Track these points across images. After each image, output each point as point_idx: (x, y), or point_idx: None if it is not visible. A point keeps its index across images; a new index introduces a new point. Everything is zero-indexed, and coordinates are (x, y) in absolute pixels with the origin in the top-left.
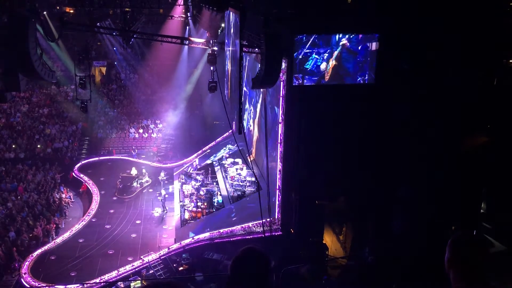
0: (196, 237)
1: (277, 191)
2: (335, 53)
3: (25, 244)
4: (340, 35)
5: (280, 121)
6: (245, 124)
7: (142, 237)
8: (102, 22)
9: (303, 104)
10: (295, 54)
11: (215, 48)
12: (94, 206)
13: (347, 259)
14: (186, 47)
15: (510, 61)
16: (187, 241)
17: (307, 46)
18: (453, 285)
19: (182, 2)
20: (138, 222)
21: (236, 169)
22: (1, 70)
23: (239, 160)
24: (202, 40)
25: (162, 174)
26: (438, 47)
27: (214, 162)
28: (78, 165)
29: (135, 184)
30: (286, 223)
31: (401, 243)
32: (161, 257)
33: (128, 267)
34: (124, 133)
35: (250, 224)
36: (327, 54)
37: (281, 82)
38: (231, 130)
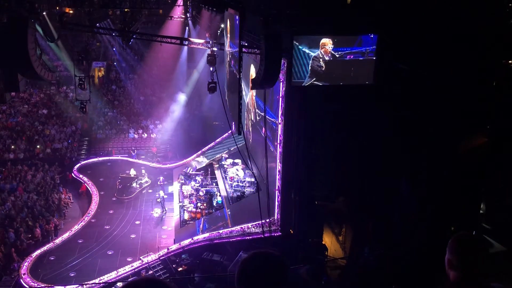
0: (195, 238)
1: (277, 191)
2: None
3: (24, 244)
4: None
5: (279, 121)
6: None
7: (141, 238)
8: (102, 23)
9: (303, 104)
10: (294, 54)
11: (215, 49)
12: (94, 206)
13: (347, 259)
14: (185, 47)
15: (510, 61)
16: (186, 241)
17: (306, 47)
18: (453, 286)
19: (182, 2)
20: (137, 222)
21: (236, 169)
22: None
23: (238, 161)
24: (201, 41)
25: (161, 179)
26: (438, 47)
27: (213, 163)
28: (78, 165)
29: (134, 184)
30: (286, 223)
31: (401, 243)
32: (161, 258)
33: (127, 268)
34: (123, 133)
35: (249, 224)
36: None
37: (281, 83)
38: (230, 131)
